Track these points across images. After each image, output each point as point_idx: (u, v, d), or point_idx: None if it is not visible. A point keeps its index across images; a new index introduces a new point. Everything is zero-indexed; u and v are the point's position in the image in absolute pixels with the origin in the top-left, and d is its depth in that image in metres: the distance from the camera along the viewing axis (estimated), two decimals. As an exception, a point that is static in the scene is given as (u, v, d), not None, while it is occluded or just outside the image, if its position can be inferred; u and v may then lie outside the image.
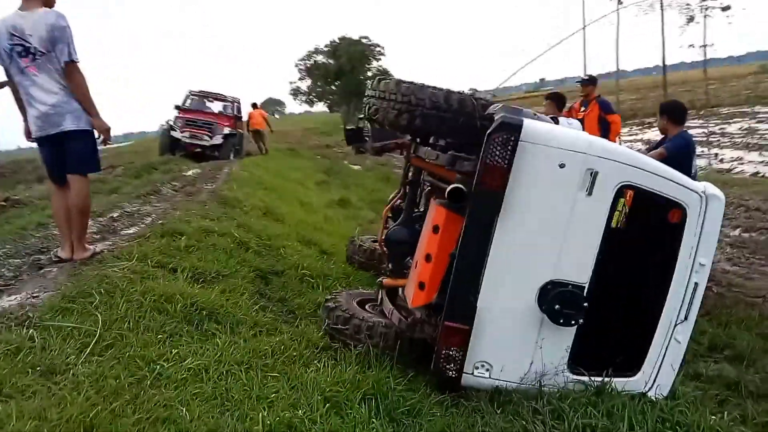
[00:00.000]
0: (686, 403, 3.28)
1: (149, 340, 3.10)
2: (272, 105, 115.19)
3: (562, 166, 3.23)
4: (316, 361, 3.47)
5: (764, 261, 6.90)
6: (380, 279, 4.10)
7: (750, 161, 15.30)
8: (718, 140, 19.05)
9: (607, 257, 3.32)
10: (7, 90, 4.22)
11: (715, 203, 3.34)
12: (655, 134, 20.04)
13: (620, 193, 3.29)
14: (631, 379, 3.45)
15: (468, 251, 3.26)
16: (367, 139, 26.78)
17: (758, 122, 19.95)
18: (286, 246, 5.90)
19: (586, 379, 3.40)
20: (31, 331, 2.87)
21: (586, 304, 3.26)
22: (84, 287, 3.46)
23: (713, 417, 3.04)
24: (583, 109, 7.86)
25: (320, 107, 65.06)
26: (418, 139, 4.03)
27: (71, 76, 4.07)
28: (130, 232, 5.30)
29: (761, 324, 4.58)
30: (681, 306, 3.42)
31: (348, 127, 28.51)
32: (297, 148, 29.78)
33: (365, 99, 3.94)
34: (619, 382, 3.40)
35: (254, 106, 22.24)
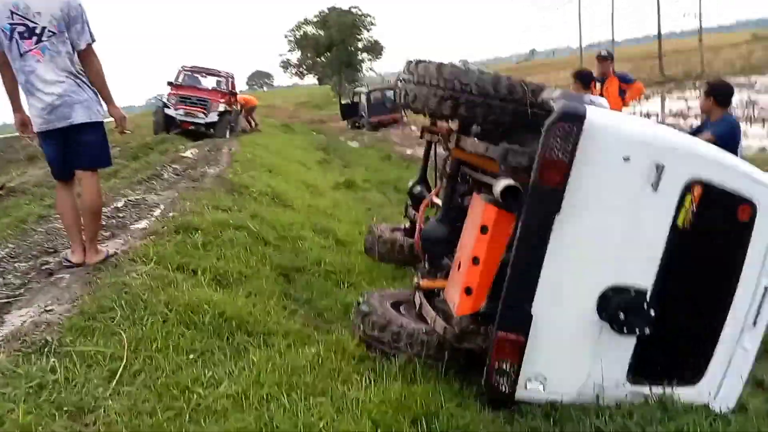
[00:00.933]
0: (757, 417, 3.07)
1: (180, 362, 2.83)
2: (260, 78, 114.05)
3: (626, 159, 2.94)
4: (355, 375, 3.21)
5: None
6: (417, 280, 3.82)
7: (753, 135, 15.04)
8: (720, 112, 18.79)
9: (672, 259, 3.06)
10: None
11: (789, 200, 3.07)
12: (653, 106, 19.79)
13: (688, 188, 3.01)
14: (693, 389, 3.22)
15: (523, 255, 2.97)
16: (363, 114, 26.53)
17: (757, 93, 19.66)
18: (303, 237, 5.65)
19: (646, 390, 3.16)
20: (52, 360, 2.57)
21: (653, 313, 3.00)
22: (103, 301, 3.16)
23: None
24: (599, 85, 7.55)
25: (310, 79, 64.43)
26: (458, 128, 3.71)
27: (89, 60, 3.72)
28: (141, 226, 4.99)
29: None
30: (749, 311, 3.17)
31: (343, 102, 28.12)
32: (290, 123, 29.32)
33: (400, 84, 3.62)
34: (679, 393, 3.17)
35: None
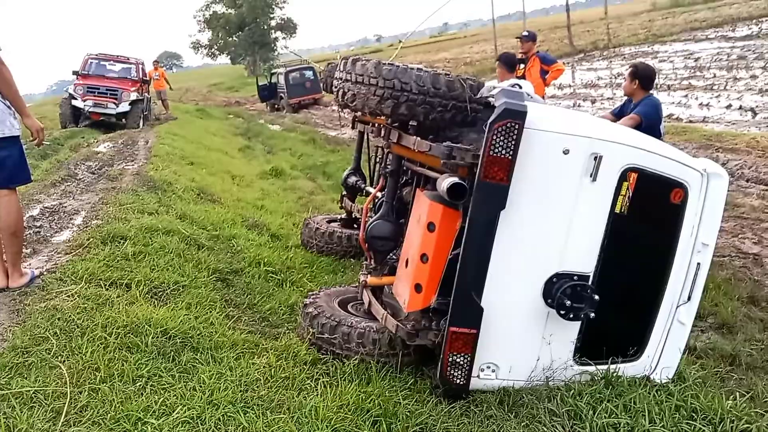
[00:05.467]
0: (694, 385, 3.25)
1: (128, 392, 2.66)
2: (168, 59, 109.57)
3: (566, 152, 3.02)
4: (310, 381, 3.17)
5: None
6: (363, 278, 3.78)
7: (662, 103, 15.81)
8: (627, 81, 19.59)
9: (611, 243, 3.17)
10: None
11: (717, 181, 3.23)
12: (565, 78, 20.39)
13: (624, 176, 3.11)
14: (634, 363, 3.38)
15: (472, 250, 3.00)
16: (283, 95, 25.96)
17: (661, 61, 20.63)
18: (236, 236, 5.48)
19: (592, 368, 3.29)
20: (-11, 408, 2.37)
21: (596, 297, 3.10)
22: (36, 331, 2.94)
23: (729, 402, 3.00)
24: (522, 66, 7.69)
25: (221, 59, 62.74)
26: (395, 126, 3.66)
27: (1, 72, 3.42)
28: (63, 238, 4.68)
29: (738, 288, 4.64)
30: (683, 287, 3.34)
31: (261, 83, 27.40)
32: (205, 107, 28.34)
33: (336, 82, 3.53)
34: (622, 368, 3.32)
35: (155, 64, 21.36)
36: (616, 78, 18.05)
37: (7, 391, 2.51)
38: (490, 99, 3.16)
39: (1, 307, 3.33)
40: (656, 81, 17.56)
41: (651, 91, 4.99)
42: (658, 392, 3.13)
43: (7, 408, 2.41)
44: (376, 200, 4.16)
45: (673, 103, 14.01)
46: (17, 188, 3.69)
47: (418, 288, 3.25)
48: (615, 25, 32.82)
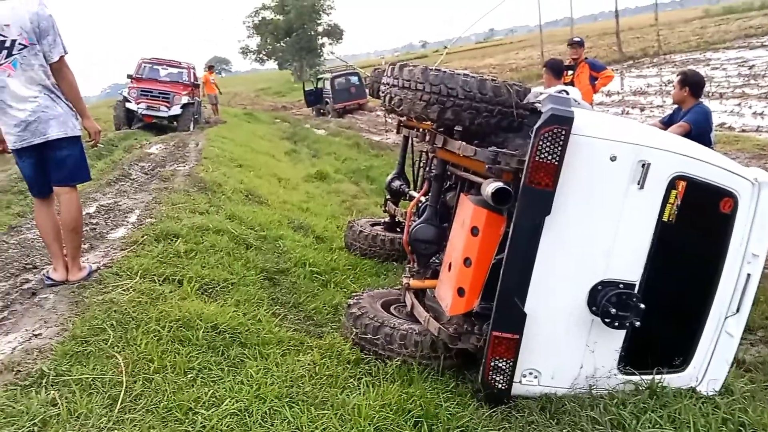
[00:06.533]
0: (743, 398, 3.18)
1: (179, 383, 2.78)
2: (218, 63, 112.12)
3: (613, 158, 3.00)
4: (353, 380, 3.23)
5: None
6: (406, 281, 3.83)
7: (713, 111, 15.36)
8: (678, 89, 19.12)
9: (658, 252, 3.14)
10: None
11: (769, 191, 3.17)
12: (613, 85, 20.05)
13: (672, 184, 3.08)
14: (680, 374, 3.33)
15: (516, 255, 3.01)
16: (328, 100, 26.28)
17: (713, 69, 20.08)
18: (282, 237, 5.60)
19: (636, 378, 3.25)
20: (51, 393, 2.51)
21: (642, 306, 3.07)
22: (94, 322, 3.09)
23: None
24: (570, 72, 7.63)
25: (269, 64, 63.81)
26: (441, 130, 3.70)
27: (62, 72, 3.58)
28: (119, 235, 4.88)
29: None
30: (732, 298, 3.28)
31: (307, 89, 27.78)
32: (253, 111, 28.91)
33: (383, 87, 3.60)
34: (667, 378, 3.27)
35: (211, 69, 22.09)
36: (665, 85, 17.67)
37: (69, 377, 2.66)
38: (537, 105, 3.18)
39: (62, 299, 3.51)
40: (708, 89, 17.19)
41: (700, 99, 4.91)
42: (705, 404, 3.08)
43: (68, 393, 2.55)
44: (420, 204, 4.20)
45: (726, 111, 13.64)
46: (77, 186, 3.87)
47: (461, 292, 3.27)
48: (666, 32, 32.08)
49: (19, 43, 3.42)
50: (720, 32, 29.54)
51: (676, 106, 5.11)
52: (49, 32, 3.48)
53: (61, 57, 3.54)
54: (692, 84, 4.82)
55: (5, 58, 3.43)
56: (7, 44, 3.41)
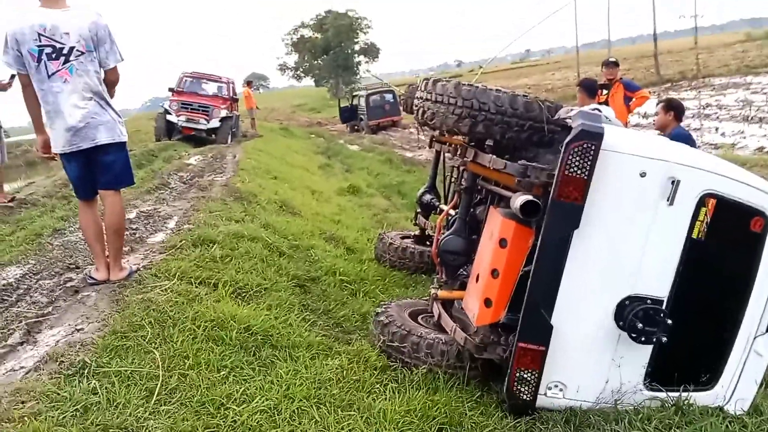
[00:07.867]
0: (772, 420, 3.15)
1: (213, 379, 2.90)
2: (256, 80, 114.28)
3: (643, 175, 3.03)
4: (379, 386, 3.29)
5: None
6: (434, 291, 3.89)
7: (752, 135, 15.06)
8: (716, 113, 18.80)
9: (687, 269, 3.14)
10: None
11: (801, 210, 3.15)
12: (649, 107, 19.87)
13: (702, 201, 3.09)
14: (707, 392, 3.30)
15: (543, 268, 3.05)
16: (363, 116, 26.60)
17: (753, 93, 19.73)
18: (314, 246, 5.71)
19: (663, 395, 3.24)
20: (93, 382, 2.66)
21: (669, 322, 3.08)
22: (133, 319, 3.24)
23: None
24: (605, 92, 7.64)
25: (306, 81, 64.74)
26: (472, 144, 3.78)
27: (114, 78, 3.80)
28: (158, 240, 5.06)
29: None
30: (762, 317, 3.26)
31: (342, 105, 28.17)
32: (289, 126, 29.41)
33: (416, 102, 3.70)
34: (694, 396, 3.25)
35: (249, 84, 22.68)
36: (704, 108, 17.41)
37: (108, 369, 2.80)
38: (567, 120, 3.23)
39: (103, 297, 3.68)
40: (747, 113, 16.86)
41: (680, 123, 5.26)
42: (732, 423, 3.06)
43: (108, 383, 2.69)
44: (450, 217, 4.27)
45: (765, 136, 13.41)
46: (121, 190, 4.04)
47: (487, 303, 3.31)
48: (705, 56, 31.59)
49: (77, 50, 3.60)
50: (762, 56, 28.99)
51: (657, 132, 5.39)
52: (106, 40, 3.67)
53: (116, 64, 3.74)
54: (675, 108, 5.22)
55: (62, 65, 3.60)
56: (65, 51, 3.58)
